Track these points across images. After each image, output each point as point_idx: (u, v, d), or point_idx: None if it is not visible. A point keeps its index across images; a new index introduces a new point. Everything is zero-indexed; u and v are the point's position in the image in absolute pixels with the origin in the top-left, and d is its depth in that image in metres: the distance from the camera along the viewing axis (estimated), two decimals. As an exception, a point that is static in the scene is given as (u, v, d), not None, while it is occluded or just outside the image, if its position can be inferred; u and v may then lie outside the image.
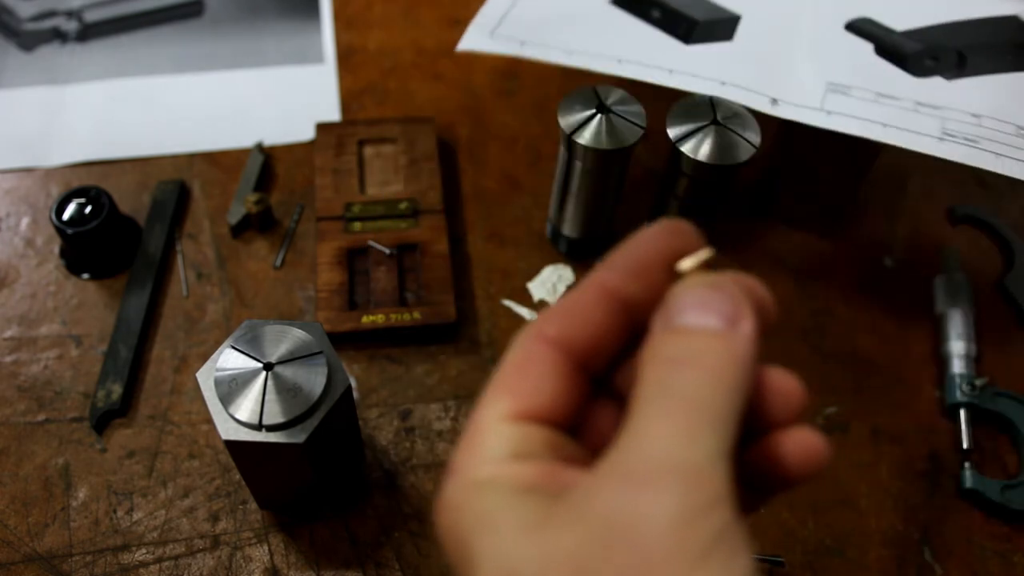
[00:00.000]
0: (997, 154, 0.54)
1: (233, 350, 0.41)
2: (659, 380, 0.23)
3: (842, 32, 0.62)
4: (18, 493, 0.50)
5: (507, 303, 0.60)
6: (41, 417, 0.53)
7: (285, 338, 0.42)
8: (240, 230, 0.62)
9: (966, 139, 0.54)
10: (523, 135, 0.69)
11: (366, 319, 0.56)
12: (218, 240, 0.62)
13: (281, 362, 0.41)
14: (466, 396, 0.55)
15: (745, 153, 0.49)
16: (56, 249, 0.61)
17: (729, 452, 0.22)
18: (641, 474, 0.21)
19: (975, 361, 0.57)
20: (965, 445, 0.54)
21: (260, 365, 0.41)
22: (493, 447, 0.24)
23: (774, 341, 0.51)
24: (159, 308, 0.59)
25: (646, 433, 0.22)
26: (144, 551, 0.49)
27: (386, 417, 0.54)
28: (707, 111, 0.51)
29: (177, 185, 0.64)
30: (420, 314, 0.57)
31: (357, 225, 0.61)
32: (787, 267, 0.63)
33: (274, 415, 0.39)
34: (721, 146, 0.49)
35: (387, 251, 0.60)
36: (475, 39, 0.65)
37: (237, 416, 0.39)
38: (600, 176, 0.54)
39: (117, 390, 0.54)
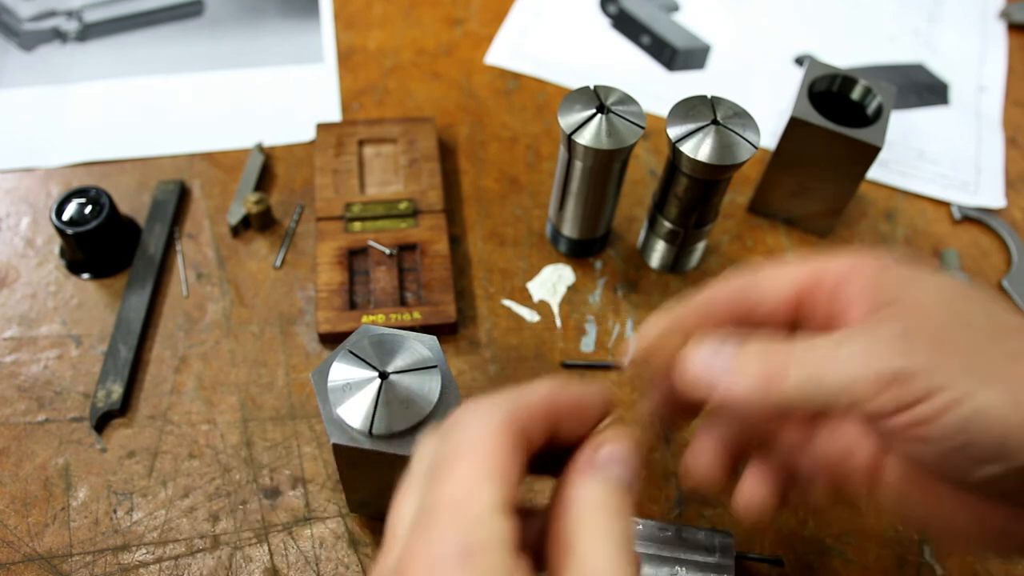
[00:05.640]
0: (903, 173, 0.68)
1: (350, 354, 0.41)
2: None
3: (792, 65, 0.75)
4: (18, 493, 0.51)
5: (507, 303, 0.60)
6: (41, 417, 0.53)
7: (400, 348, 0.41)
8: (240, 230, 0.62)
9: (878, 163, 0.67)
10: (523, 135, 0.69)
11: (366, 319, 0.56)
12: (218, 240, 0.62)
13: (396, 372, 0.40)
14: (466, 396, 0.55)
15: (745, 153, 0.49)
16: (56, 249, 0.61)
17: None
18: None
19: (975, 361, 0.57)
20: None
21: (376, 373, 0.40)
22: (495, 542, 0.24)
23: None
24: (159, 308, 0.59)
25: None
26: (144, 551, 0.49)
27: (386, 417, 0.54)
28: (707, 111, 0.51)
29: (177, 185, 0.64)
30: (420, 314, 0.57)
31: (357, 225, 0.61)
32: (787, 267, 0.63)
33: (385, 424, 0.39)
34: (721, 146, 0.49)
35: (387, 251, 0.60)
36: (500, 55, 0.75)
37: (348, 422, 0.39)
38: (600, 176, 0.54)
39: (117, 390, 0.54)
